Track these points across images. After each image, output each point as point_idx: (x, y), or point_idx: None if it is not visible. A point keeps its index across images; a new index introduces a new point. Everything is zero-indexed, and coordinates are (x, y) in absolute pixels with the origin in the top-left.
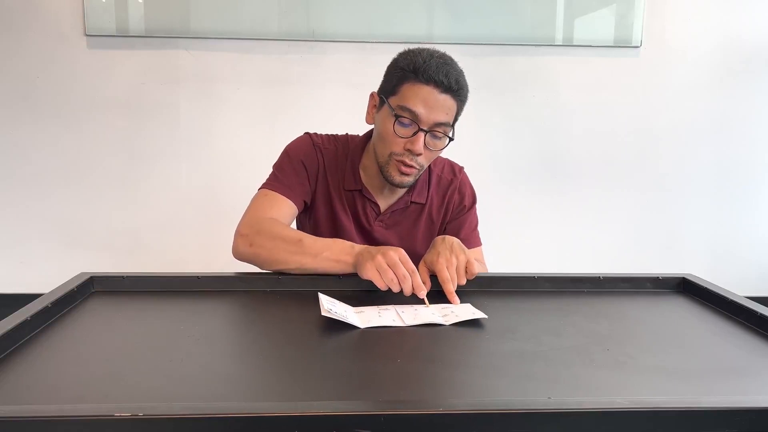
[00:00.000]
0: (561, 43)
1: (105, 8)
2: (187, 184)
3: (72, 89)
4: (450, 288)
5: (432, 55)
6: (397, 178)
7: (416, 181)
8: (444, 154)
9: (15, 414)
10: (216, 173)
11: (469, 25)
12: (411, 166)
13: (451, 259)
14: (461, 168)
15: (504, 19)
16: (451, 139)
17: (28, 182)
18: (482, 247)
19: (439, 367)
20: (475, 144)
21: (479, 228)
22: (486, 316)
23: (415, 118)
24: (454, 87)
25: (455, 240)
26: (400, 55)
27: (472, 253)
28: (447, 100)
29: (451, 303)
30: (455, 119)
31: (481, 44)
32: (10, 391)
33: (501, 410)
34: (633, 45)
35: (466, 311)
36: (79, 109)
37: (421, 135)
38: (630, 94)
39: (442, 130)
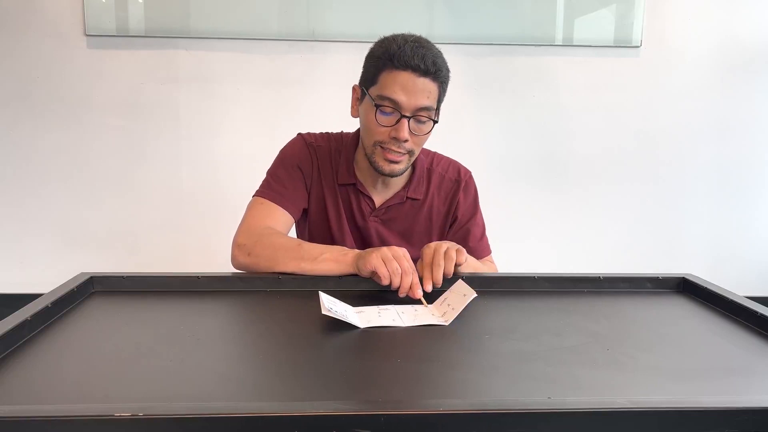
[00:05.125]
0: (561, 43)
1: (105, 8)
2: (187, 184)
3: (72, 89)
4: (428, 274)
5: (406, 40)
6: (387, 168)
7: (412, 176)
8: (443, 154)
9: (15, 414)
10: (216, 173)
11: (469, 24)
12: (399, 153)
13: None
14: (468, 172)
15: (504, 19)
16: (435, 122)
17: (28, 182)
18: (491, 254)
19: (439, 367)
20: (474, 144)
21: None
22: (476, 294)
23: (396, 106)
24: (432, 69)
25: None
26: (376, 44)
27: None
28: (427, 84)
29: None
30: (439, 101)
31: (481, 44)
32: (10, 391)
33: (500, 410)
34: (633, 45)
35: (459, 297)
36: (79, 109)
37: (405, 122)
38: (630, 94)
39: (426, 114)
